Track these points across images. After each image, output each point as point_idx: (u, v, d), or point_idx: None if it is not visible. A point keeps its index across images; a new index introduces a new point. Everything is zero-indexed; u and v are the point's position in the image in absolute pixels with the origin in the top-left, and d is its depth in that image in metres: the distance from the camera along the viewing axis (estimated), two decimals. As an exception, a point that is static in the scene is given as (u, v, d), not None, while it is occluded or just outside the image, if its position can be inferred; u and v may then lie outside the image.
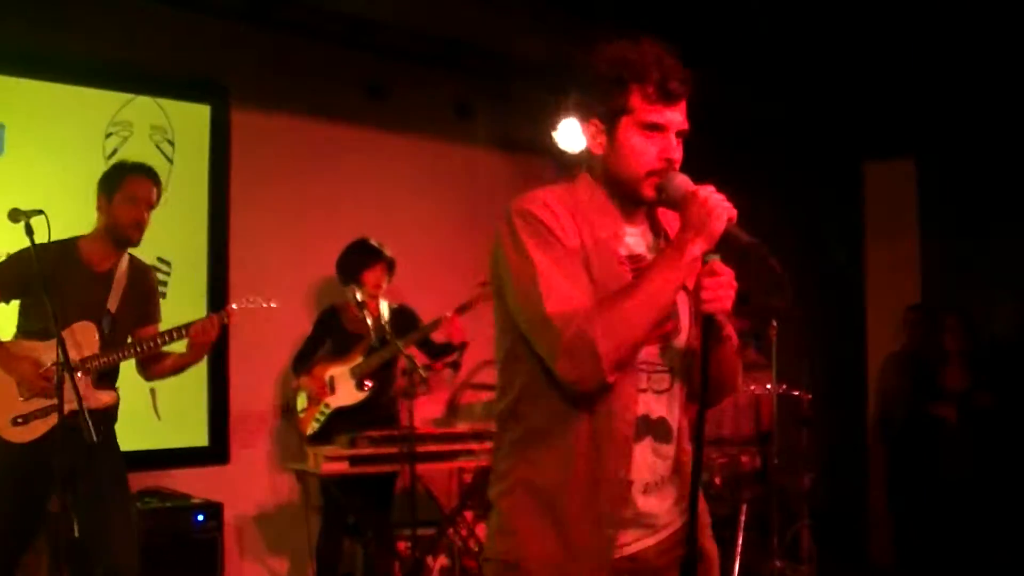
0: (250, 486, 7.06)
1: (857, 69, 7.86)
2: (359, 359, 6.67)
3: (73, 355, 4.62)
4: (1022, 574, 7.63)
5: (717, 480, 6.48)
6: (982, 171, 9.02)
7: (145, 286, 5.29)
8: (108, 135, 6.55)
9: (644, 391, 2.76)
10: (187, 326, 5.08)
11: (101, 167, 6.36)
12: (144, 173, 5.13)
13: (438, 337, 6.97)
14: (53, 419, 4.64)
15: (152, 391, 6.62)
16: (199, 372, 6.87)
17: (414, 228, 7.84)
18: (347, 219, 7.31)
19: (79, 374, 4.73)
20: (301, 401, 6.79)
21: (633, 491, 2.74)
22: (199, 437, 6.92)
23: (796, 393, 7.03)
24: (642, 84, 2.69)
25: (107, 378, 5.14)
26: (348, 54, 7.39)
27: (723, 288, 2.63)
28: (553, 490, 2.71)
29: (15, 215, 4.78)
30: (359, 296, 6.48)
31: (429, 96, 7.88)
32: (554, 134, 7.69)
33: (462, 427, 7.81)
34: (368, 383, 6.64)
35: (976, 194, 9.14)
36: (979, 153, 8.97)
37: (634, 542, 2.77)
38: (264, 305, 5.49)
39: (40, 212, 4.77)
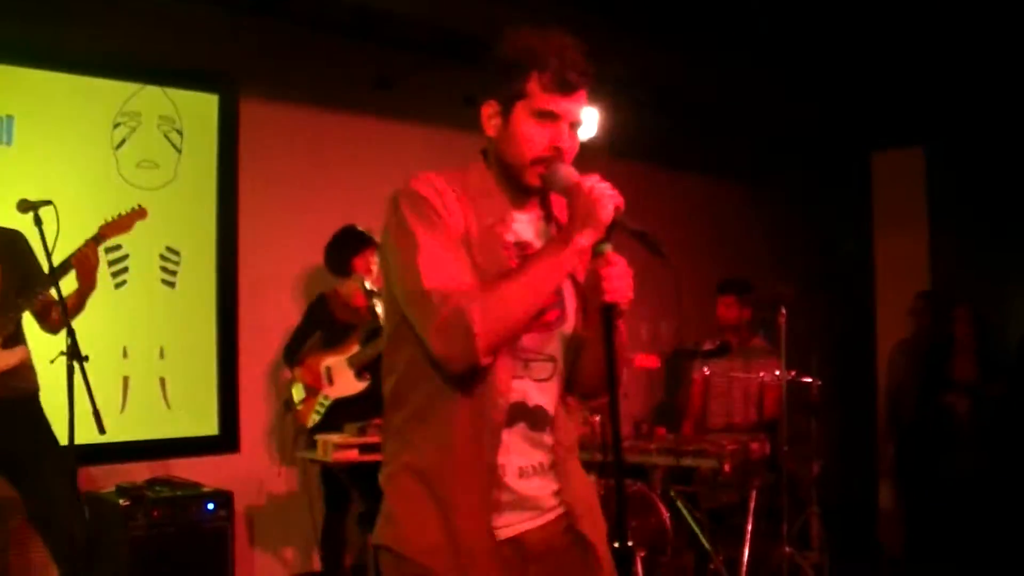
0: (260, 475, 7.07)
1: (866, 59, 7.85)
2: (355, 348, 6.65)
3: None
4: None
5: (726, 467, 6.47)
6: (990, 160, 9.02)
7: (18, 247, 5.23)
8: (116, 125, 6.55)
9: (521, 378, 2.74)
10: (68, 258, 5.02)
11: (110, 157, 6.42)
12: None
13: None
14: None
15: (162, 380, 6.65)
16: (209, 360, 6.90)
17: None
18: (355, 208, 7.31)
19: None
20: (297, 392, 6.75)
21: (507, 476, 2.73)
22: (209, 426, 6.93)
23: (805, 380, 7.02)
24: (541, 71, 2.69)
25: (11, 339, 5.12)
26: (356, 44, 7.39)
27: (621, 278, 2.62)
28: (433, 474, 2.71)
29: (24, 205, 4.82)
30: (368, 284, 6.46)
31: (437, 86, 7.87)
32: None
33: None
34: (367, 374, 6.61)
35: (984, 183, 9.14)
36: (987, 142, 8.96)
37: (515, 524, 2.76)
38: (130, 211, 5.35)
39: (49, 202, 4.81)
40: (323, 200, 7.41)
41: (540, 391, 2.78)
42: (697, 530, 6.98)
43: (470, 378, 2.65)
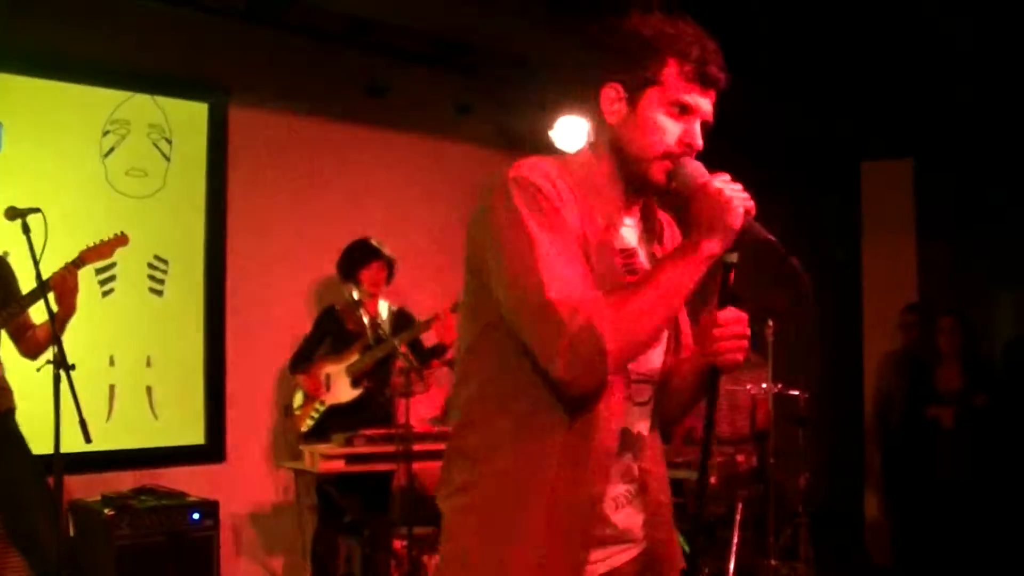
0: (247, 484, 7.06)
1: (855, 69, 7.86)
2: (355, 357, 6.69)
3: None
4: (1018, 575, 7.65)
5: (713, 479, 6.47)
6: (978, 171, 9.04)
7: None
8: (105, 133, 6.54)
9: (626, 400, 2.48)
10: (46, 281, 4.97)
11: (98, 165, 6.41)
12: None
13: (430, 337, 6.94)
14: None
15: (148, 389, 6.63)
16: (196, 370, 6.88)
17: (413, 226, 7.85)
18: (345, 218, 7.32)
19: None
20: (298, 399, 6.82)
21: (606, 507, 2.46)
22: (195, 435, 6.92)
23: (793, 392, 7.03)
24: (681, 60, 2.42)
25: None
26: (346, 53, 7.38)
27: (737, 341, 2.41)
28: (521, 507, 2.40)
29: (12, 213, 4.80)
30: (356, 295, 6.49)
31: (428, 95, 7.88)
32: (551, 132, 7.71)
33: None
34: (364, 382, 6.66)
35: (973, 194, 9.15)
36: (976, 153, 8.98)
37: (609, 559, 2.50)
38: (108, 238, 5.34)
39: (37, 210, 4.79)
40: (313, 209, 7.40)
41: (639, 414, 2.55)
42: (683, 542, 6.97)
43: (580, 400, 2.35)
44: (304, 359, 6.83)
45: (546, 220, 2.31)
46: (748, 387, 7.20)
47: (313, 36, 7.20)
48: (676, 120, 2.44)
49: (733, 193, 2.36)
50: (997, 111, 8.21)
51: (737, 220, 2.33)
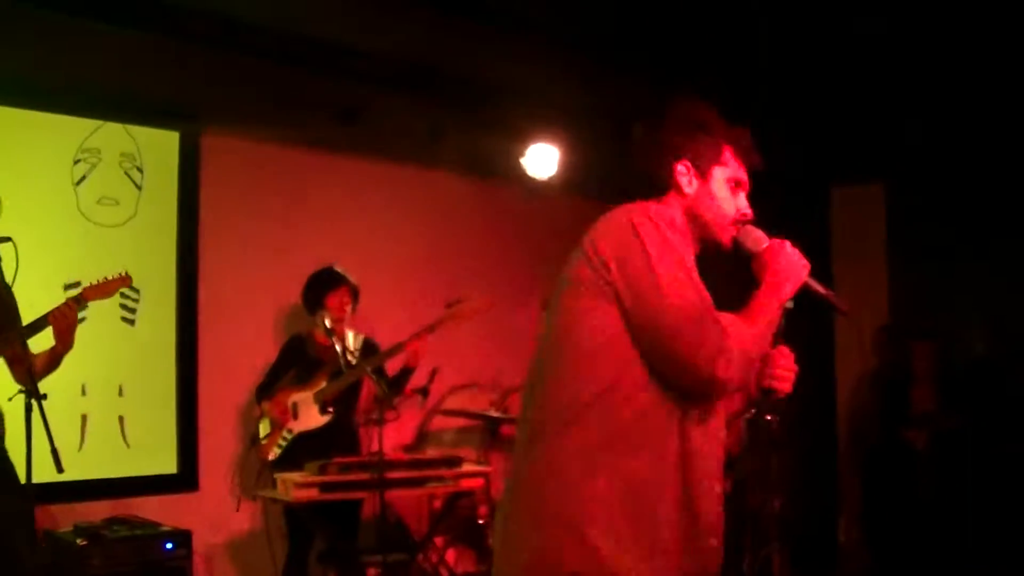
0: (219, 513, 7.01)
1: (826, 93, 7.90)
2: (323, 384, 6.65)
3: None
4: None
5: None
6: (949, 195, 9.08)
7: None
8: (77, 161, 6.53)
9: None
10: (46, 315, 4.98)
11: (70, 194, 6.39)
12: None
13: (395, 364, 6.91)
14: None
15: (121, 418, 6.60)
16: (168, 399, 6.86)
17: (385, 252, 7.85)
18: (318, 245, 7.31)
19: None
20: (264, 427, 6.76)
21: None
22: (168, 464, 6.88)
23: (766, 417, 7.02)
24: (736, 146, 3.04)
25: None
26: (318, 80, 7.38)
27: (791, 370, 3.09)
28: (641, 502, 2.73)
29: (-19, 242, 4.77)
30: (327, 323, 6.48)
31: (400, 121, 7.87)
32: (522, 160, 7.73)
33: (432, 453, 7.79)
34: (331, 408, 6.63)
35: (943, 218, 9.20)
36: (946, 178, 9.03)
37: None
38: (112, 276, 5.34)
39: (8, 239, 4.75)
40: (285, 236, 7.39)
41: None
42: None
43: (702, 410, 2.84)
44: (269, 387, 6.80)
45: (680, 256, 2.78)
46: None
47: (284, 62, 7.19)
48: (734, 193, 3.06)
49: (799, 254, 3.02)
50: (968, 135, 8.26)
51: (804, 275, 3.01)
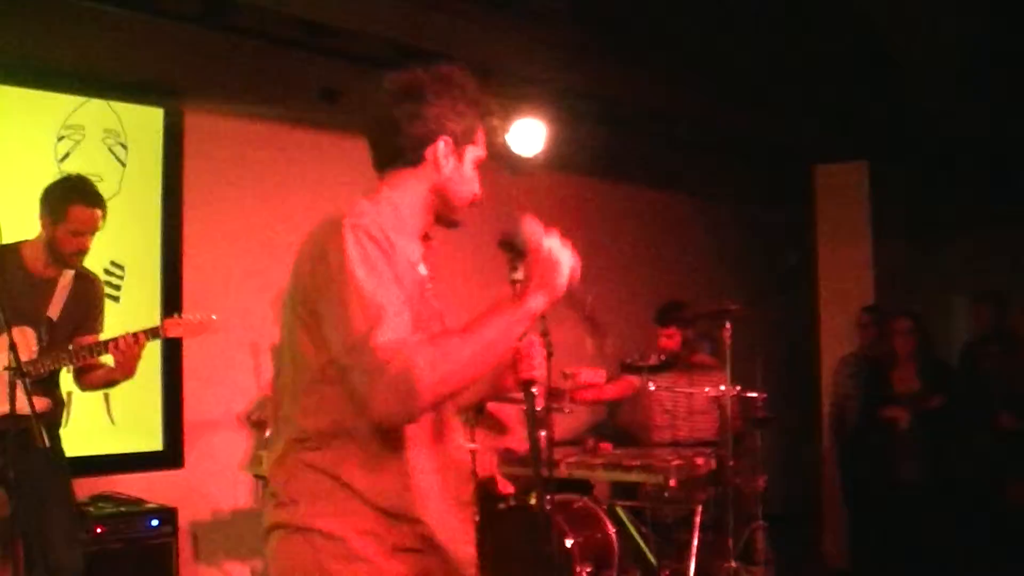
0: (205, 491, 7.02)
1: (809, 72, 7.92)
2: None
3: (8, 359, 4.55)
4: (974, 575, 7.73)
5: (672, 482, 6.49)
6: (932, 174, 9.12)
7: (90, 296, 5.25)
8: (60, 138, 6.49)
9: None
10: (109, 341, 4.99)
11: (53, 171, 6.35)
12: (89, 202, 5.07)
13: None
14: None
15: (106, 395, 6.58)
16: (153, 376, 6.84)
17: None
18: (301, 222, 7.28)
19: None
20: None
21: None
22: (153, 441, 6.88)
23: (751, 395, 7.06)
24: (484, 124, 2.89)
25: (42, 385, 5.05)
26: (301, 57, 7.36)
27: (538, 359, 2.98)
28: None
29: (-35, 221, 4.76)
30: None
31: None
32: (506, 137, 7.72)
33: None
34: None
35: (927, 196, 9.24)
36: (931, 157, 9.06)
37: None
38: (197, 318, 5.35)
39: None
40: (269, 213, 7.37)
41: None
42: (643, 545, 7.00)
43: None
44: None
45: (376, 268, 2.53)
46: (706, 390, 7.23)
47: (267, 40, 7.17)
48: (476, 173, 2.89)
49: (560, 257, 2.68)
50: (952, 114, 8.29)
51: (563, 283, 2.67)
